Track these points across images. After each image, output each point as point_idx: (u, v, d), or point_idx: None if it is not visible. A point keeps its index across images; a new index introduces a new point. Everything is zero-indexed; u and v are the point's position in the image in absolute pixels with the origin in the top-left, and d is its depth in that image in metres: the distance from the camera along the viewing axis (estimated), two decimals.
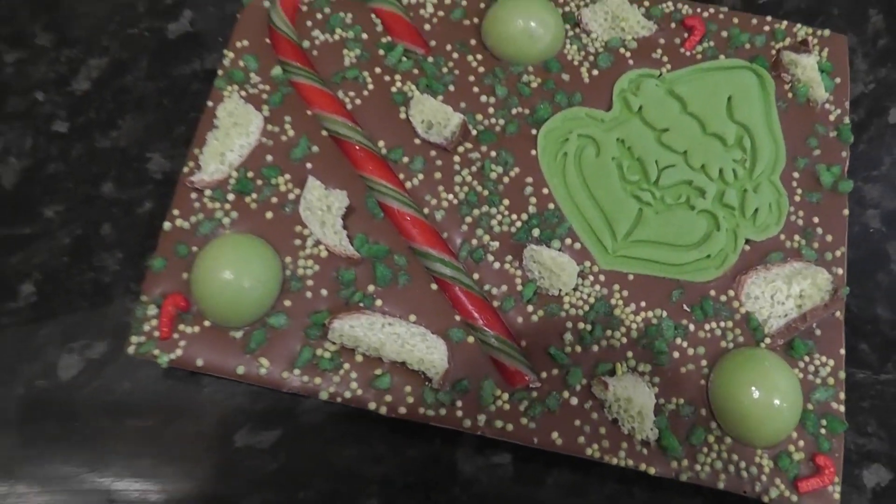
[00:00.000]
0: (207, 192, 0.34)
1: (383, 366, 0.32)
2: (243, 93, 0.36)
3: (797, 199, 0.36)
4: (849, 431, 0.35)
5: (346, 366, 0.32)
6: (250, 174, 0.34)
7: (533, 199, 0.35)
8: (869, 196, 0.39)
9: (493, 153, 0.35)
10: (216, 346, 0.32)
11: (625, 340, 0.33)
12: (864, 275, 0.38)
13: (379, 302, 0.33)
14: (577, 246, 0.34)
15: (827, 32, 0.39)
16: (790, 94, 0.38)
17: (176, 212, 0.33)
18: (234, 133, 0.34)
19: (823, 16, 0.42)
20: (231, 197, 0.34)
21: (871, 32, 0.42)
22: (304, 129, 0.35)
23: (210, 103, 0.36)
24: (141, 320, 0.32)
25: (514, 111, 0.36)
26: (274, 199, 0.34)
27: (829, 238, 0.35)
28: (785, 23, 0.39)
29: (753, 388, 0.31)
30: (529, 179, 0.35)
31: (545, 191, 0.35)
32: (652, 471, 0.31)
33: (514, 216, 0.34)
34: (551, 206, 0.35)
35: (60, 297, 0.36)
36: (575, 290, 0.33)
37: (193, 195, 0.34)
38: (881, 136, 0.40)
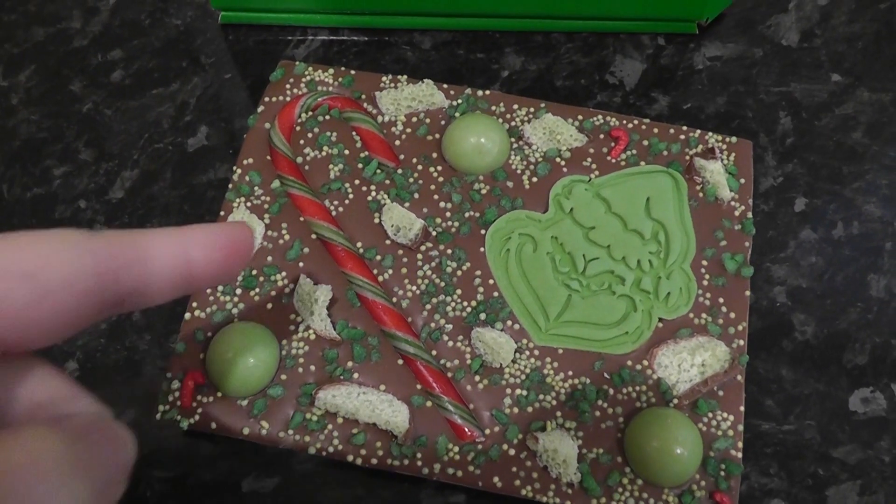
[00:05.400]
0: (220, 288, 0.43)
1: (359, 426, 0.40)
2: (249, 204, 0.45)
3: (705, 283, 0.44)
4: (753, 472, 0.42)
5: (330, 426, 0.40)
6: (254, 272, 0.43)
7: (481, 289, 0.43)
8: (776, 275, 0.47)
9: (449, 251, 0.44)
10: (227, 412, 0.40)
11: (554, 403, 0.41)
12: (771, 342, 0.45)
13: (356, 375, 0.41)
14: (517, 326, 0.43)
15: (734, 139, 0.47)
16: (701, 194, 0.46)
17: (195, 304, 0.43)
18: None
19: (739, 119, 0.51)
20: (239, 291, 0.43)
21: (780, 133, 0.51)
22: (297, 233, 0.44)
23: (222, 213, 0.45)
24: (166, 392, 0.41)
25: (466, 215, 0.45)
26: (273, 293, 0.43)
27: (732, 315, 0.43)
28: (698, 131, 0.47)
29: (658, 440, 0.39)
30: (478, 272, 0.44)
31: (491, 281, 0.44)
32: None
33: (465, 303, 0.43)
34: (496, 294, 0.43)
35: (99, 372, 0.44)
36: (514, 362, 0.42)
37: (209, 290, 0.43)
38: (788, 223, 0.48)
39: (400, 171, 0.46)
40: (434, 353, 0.42)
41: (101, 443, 0.20)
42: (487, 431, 0.41)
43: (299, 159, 0.47)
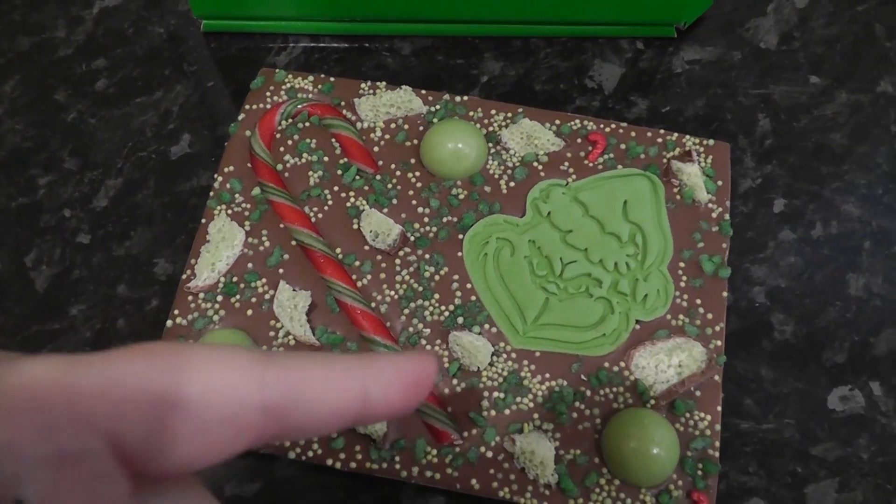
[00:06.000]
0: (201, 295, 0.44)
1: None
2: (230, 211, 0.46)
3: (682, 284, 0.45)
4: (732, 471, 0.43)
5: None
6: (235, 279, 0.44)
7: (459, 293, 0.44)
8: (755, 275, 0.47)
9: (427, 256, 0.45)
10: None
11: (532, 405, 0.42)
12: (750, 342, 0.46)
13: None
14: (494, 330, 0.43)
15: (712, 141, 0.48)
16: (678, 197, 0.47)
17: (176, 311, 0.43)
18: (222, 246, 0.45)
19: (718, 121, 0.52)
20: (220, 298, 0.44)
21: (759, 134, 0.51)
22: (277, 240, 0.45)
23: (203, 220, 0.46)
24: None
25: (444, 220, 0.46)
26: (253, 299, 0.44)
27: (709, 316, 0.44)
28: (675, 135, 0.48)
29: (635, 440, 0.39)
30: (456, 277, 0.44)
31: (469, 286, 0.44)
32: None
33: (443, 307, 0.44)
34: (473, 298, 0.44)
35: None
36: (491, 365, 0.42)
37: (190, 298, 0.44)
38: (767, 224, 0.49)
39: (378, 177, 0.47)
40: None
41: None
42: (465, 434, 0.41)
43: (279, 166, 0.47)
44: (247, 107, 0.49)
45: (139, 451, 0.17)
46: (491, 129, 0.48)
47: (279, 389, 0.19)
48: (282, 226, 0.45)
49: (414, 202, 0.46)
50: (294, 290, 0.44)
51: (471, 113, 0.49)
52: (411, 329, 0.43)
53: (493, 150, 0.48)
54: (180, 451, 0.18)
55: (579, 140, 0.48)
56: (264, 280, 0.44)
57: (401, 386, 0.21)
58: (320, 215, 0.46)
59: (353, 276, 0.44)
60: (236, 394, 0.18)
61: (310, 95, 0.49)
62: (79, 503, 0.17)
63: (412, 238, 0.45)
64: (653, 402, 0.42)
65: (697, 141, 0.48)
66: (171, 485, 0.19)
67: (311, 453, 0.41)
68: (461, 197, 0.47)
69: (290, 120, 0.48)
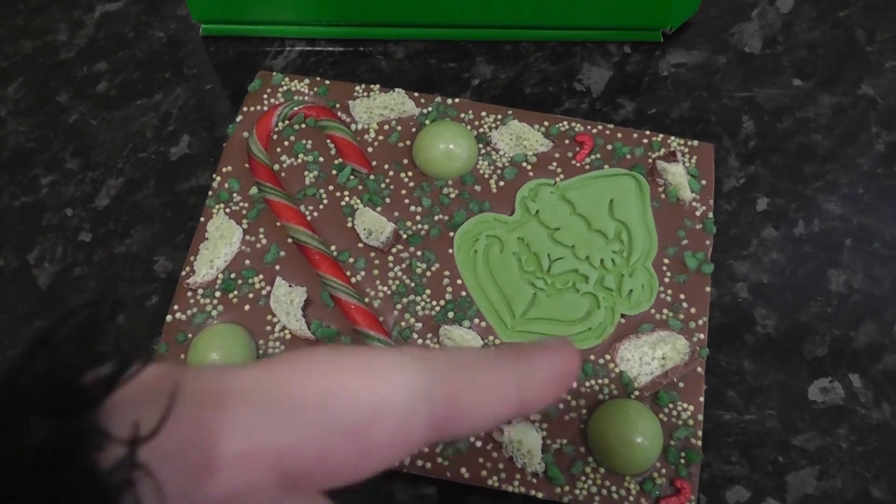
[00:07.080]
0: (200, 291, 0.45)
1: None
2: (228, 210, 0.48)
3: (667, 280, 0.46)
4: (715, 460, 0.44)
5: None
6: (233, 276, 0.46)
7: (449, 289, 0.46)
8: (739, 272, 0.49)
9: (419, 253, 0.47)
10: None
11: None
12: (733, 336, 0.48)
13: None
14: (484, 324, 0.45)
15: (696, 142, 0.50)
16: (663, 195, 0.48)
17: (176, 307, 0.45)
18: (220, 244, 0.46)
19: (703, 123, 0.53)
20: (218, 294, 0.45)
21: (743, 136, 0.53)
22: (274, 238, 0.47)
23: (202, 219, 0.47)
24: None
25: (436, 218, 0.47)
26: (251, 295, 0.45)
27: (693, 310, 0.46)
28: (661, 136, 0.50)
29: (619, 430, 0.41)
30: (447, 273, 0.46)
31: (459, 281, 0.46)
32: (540, 495, 0.41)
33: (434, 302, 0.46)
34: (464, 293, 0.46)
35: None
36: None
37: (189, 294, 0.45)
38: (750, 222, 0.50)
39: (372, 176, 0.49)
40: None
41: None
42: None
43: (276, 166, 0.49)
44: (244, 109, 0.51)
45: (303, 479, 0.17)
46: (481, 130, 0.50)
47: (445, 404, 0.18)
48: (278, 224, 0.47)
49: (406, 201, 0.48)
50: (290, 286, 0.45)
51: (462, 115, 0.50)
52: (403, 323, 0.45)
53: (483, 151, 0.50)
54: (345, 474, 0.17)
55: (567, 141, 0.50)
56: (261, 276, 0.46)
57: (552, 385, 0.21)
58: (316, 214, 0.48)
59: (348, 273, 0.46)
60: (405, 414, 0.17)
61: (306, 98, 0.51)
62: None
63: (405, 236, 0.47)
64: (637, 393, 0.44)
65: (682, 142, 0.50)
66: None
67: None
68: (452, 196, 0.48)
69: (287, 122, 0.50)
